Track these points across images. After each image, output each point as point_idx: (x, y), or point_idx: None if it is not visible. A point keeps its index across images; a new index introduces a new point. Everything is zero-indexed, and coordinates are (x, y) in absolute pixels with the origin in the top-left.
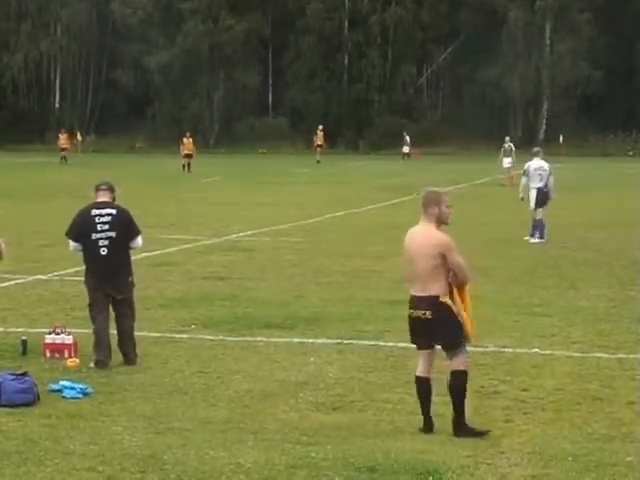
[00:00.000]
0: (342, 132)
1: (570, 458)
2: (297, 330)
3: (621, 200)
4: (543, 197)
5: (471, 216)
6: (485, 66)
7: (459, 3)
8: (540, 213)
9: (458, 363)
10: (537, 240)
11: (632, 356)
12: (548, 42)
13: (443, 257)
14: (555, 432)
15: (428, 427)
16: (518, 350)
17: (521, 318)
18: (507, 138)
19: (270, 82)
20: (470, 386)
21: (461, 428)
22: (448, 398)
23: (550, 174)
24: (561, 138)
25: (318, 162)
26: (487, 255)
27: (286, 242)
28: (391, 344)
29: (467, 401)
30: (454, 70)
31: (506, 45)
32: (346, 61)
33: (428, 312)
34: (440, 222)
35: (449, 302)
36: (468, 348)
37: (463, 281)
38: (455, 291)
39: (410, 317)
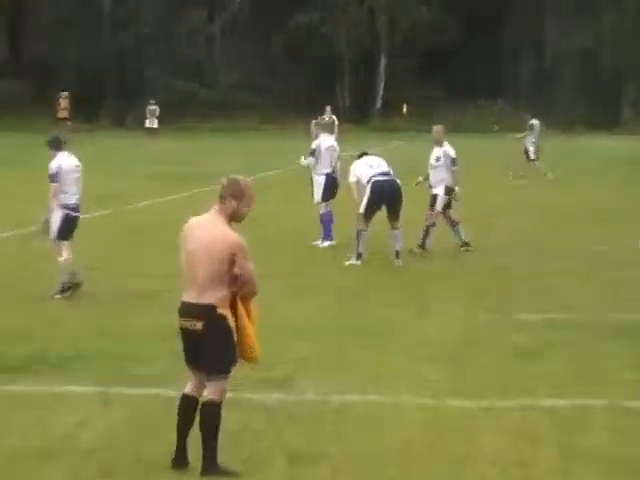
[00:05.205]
0: (105, 100)
1: None
2: (43, 376)
3: (474, 188)
4: (333, 186)
5: (281, 211)
6: (300, 11)
7: None
8: (325, 207)
9: (213, 392)
10: (328, 243)
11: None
12: None
13: (232, 262)
14: None
15: (181, 460)
16: (348, 397)
17: (351, 351)
18: (327, 108)
19: (5, 32)
20: (286, 451)
21: (210, 467)
22: None
23: (339, 157)
24: (405, 108)
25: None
26: (304, 267)
27: (32, 250)
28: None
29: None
30: (258, 17)
31: None
32: (108, 3)
33: (199, 323)
34: (232, 219)
35: (228, 316)
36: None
37: (251, 292)
38: (240, 304)
39: (180, 328)
